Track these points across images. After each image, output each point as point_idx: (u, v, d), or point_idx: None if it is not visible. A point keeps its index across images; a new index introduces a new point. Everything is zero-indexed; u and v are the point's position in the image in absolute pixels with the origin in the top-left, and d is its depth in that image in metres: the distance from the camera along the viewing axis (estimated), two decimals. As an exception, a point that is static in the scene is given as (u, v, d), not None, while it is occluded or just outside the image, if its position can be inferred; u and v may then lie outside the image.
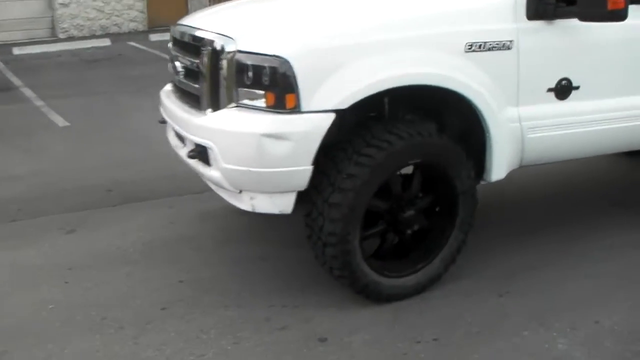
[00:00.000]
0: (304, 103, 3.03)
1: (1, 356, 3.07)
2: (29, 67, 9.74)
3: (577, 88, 3.58)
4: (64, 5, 11.48)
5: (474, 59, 3.28)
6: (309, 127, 3.04)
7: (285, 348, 3.09)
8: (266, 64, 3.03)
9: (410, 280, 3.45)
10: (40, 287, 3.65)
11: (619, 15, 3.18)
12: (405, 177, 3.43)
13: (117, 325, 3.29)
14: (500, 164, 3.50)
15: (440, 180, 3.44)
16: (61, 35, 11.54)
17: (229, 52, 3.15)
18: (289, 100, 3.03)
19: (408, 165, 3.31)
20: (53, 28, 11.65)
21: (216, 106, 3.26)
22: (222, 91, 3.21)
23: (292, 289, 3.59)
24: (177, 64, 3.63)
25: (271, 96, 3.06)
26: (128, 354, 3.06)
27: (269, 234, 4.20)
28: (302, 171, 3.10)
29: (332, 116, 3.06)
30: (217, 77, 3.24)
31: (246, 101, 3.14)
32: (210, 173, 3.32)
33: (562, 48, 3.50)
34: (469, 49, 3.26)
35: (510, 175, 3.64)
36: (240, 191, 3.27)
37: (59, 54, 10.65)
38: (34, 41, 10.93)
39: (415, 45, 3.18)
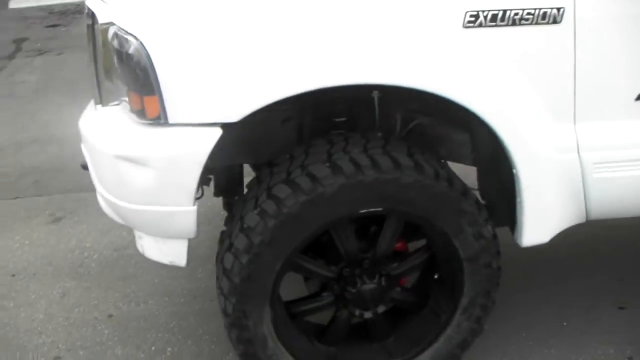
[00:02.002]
0: (172, 111, 1.91)
1: None
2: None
3: (703, 98, 1.96)
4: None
5: (483, 40, 1.86)
6: (178, 149, 1.93)
7: None
8: (125, 47, 1.96)
9: (372, 382, 2.24)
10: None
11: None
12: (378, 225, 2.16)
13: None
14: (537, 220, 2.07)
15: (433, 238, 2.13)
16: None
17: (103, 24, 2.11)
18: (149, 105, 1.93)
19: (358, 215, 2.04)
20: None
21: (101, 101, 2.27)
22: (101, 80, 2.22)
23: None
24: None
25: (134, 98, 1.99)
26: None
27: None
28: (179, 213, 2.01)
29: (217, 133, 1.91)
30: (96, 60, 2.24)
31: (126, 98, 2.10)
32: (97, 194, 2.38)
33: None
34: (472, 21, 1.85)
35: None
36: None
37: None
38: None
39: (360, 18, 1.87)
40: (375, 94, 2.24)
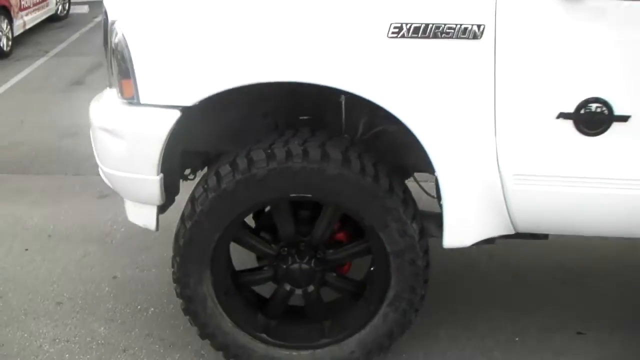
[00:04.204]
0: (143, 92, 2.25)
1: None
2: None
3: (623, 119, 2.04)
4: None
5: (406, 51, 2.06)
6: (144, 126, 2.26)
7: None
8: (115, 38, 2.33)
9: (303, 356, 2.45)
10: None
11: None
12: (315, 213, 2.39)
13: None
14: (457, 225, 2.22)
15: (367, 231, 2.33)
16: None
17: (111, 18, 2.51)
18: (126, 87, 2.28)
19: (289, 198, 2.28)
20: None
21: (110, 84, 2.67)
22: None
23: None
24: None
25: (118, 80, 2.35)
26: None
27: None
28: (145, 181, 2.34)
29: (175, 114, 2.23)
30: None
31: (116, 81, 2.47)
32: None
33: (593, 44, 2.01)
34: (396, 32, 2.05)
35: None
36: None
37: None
38: None
39: (297, 22, 2.12)
40: (342, 98, 2.49)
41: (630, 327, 2.79)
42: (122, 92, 2.32)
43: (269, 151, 2.20)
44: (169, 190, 2.47)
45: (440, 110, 2.10)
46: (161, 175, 2.34)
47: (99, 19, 10.72)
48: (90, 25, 10.32)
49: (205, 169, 2.77)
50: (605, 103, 2.03)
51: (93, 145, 2.59)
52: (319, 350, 2.44)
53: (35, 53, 8.71)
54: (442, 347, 2.69)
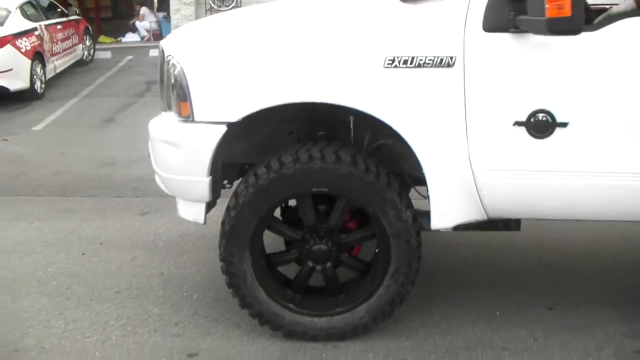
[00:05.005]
0: (197, 111, 2.92)
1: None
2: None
3: (563, 125, 2.69)
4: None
5: (398, 78, 2.73)
6: (198, 138, 2.93)
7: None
8: (171, 69, 3.02)
9: (322, 322, 3.06)
10: (59, 254, 4.22)
11: (562, 27, 2.31)
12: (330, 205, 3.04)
13: (66, 295, 3.66)
14: (441, 210, 2.85)
15: (372, 219, 2.96)
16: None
17: (168, 56, 3.20)
18: (183, 108, 2.96)
19: (310, 192, 2.93)
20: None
21: (164, 108, 3.35)
22: (164, 94, 3.29)
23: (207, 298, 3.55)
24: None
25: (176, 103, 3.02)
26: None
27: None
28: (198, 182, 2.99)
29: (223, 129, 2.89)
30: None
31: (173, 106, 3.16)
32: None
33: (537, 68, 2.67)
34: (390, 64, 2.73)
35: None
36: (173, 193, 3.32)
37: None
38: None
39: (316, 56, 2.79)
40: (351, 118, 3.15)
41: (593, 305, 3.38)
42: (179, 112, 2.99)
43: (295, 155, 2.86)
44: (213, 194, 3.12)
45: (425, 122, 2.76)
46: (210, 177, 2.99)
47: (122, 63, 11.60)
48: (114, 69, 11.16)
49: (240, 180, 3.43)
50: (549, 113, 2.68)
51: (152, 155, 3.24)
52: (335, 317, 3.05)
53: (66, 95, 9.52)
54: (435, 319, 3.29)
